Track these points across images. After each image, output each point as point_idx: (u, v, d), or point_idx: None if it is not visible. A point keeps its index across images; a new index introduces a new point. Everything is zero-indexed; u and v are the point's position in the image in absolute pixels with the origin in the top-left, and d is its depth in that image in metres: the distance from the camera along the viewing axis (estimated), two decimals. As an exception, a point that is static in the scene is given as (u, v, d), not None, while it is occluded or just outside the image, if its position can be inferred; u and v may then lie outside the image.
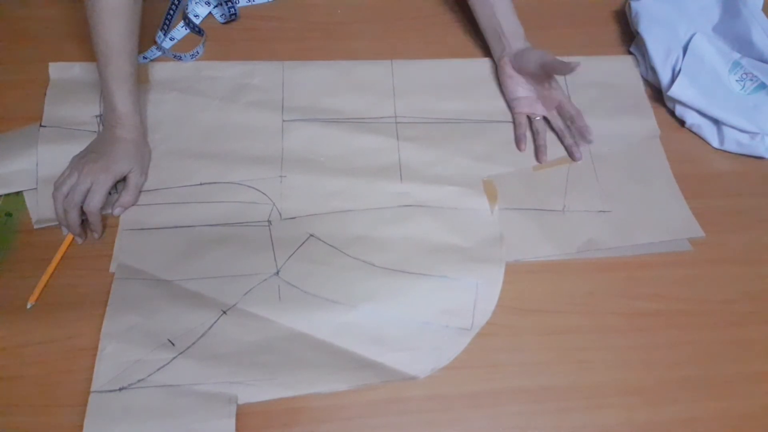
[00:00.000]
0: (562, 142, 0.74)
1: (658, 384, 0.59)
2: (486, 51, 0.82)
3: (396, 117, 0.75)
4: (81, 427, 0.52)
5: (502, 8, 0.76)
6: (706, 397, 0.58)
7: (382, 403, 0.56)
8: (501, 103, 0.77)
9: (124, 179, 0.65)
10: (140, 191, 0.66)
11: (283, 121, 0.73)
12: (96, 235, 0.63)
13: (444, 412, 0.56)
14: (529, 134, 0.75)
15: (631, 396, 0.58)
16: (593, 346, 0.60)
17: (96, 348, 0.56)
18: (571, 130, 0.74)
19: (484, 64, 0.81)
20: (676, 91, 0.75)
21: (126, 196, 0.65)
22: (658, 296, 0.64)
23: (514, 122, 0.76)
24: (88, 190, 0.61)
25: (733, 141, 0.75)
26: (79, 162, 0.63)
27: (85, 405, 0.53)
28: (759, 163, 0.76)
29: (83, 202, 0.61)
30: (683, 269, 0.66)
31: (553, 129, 0.75)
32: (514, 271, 0.64)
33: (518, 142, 0.74)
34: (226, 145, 0.70)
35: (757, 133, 0.74)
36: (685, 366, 0.60)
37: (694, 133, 0.78)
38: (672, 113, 0.79)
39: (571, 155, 0.73)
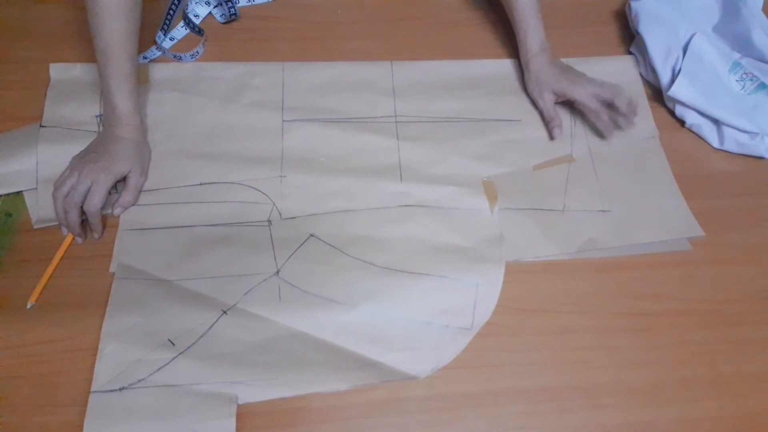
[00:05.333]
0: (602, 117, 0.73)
1: (658, 384, 0.59)
2: (485, 52, 0.82)
3: (396, 117, 0.75)
4: (81, 426, 0.52)
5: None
6: (706, 397, 0.58)
7: (382, 403, 0.56)
8: (501, 103, 0.77)
9: (124, 179, 0.65)
10: (140, 191, 0.66)
11: (283, 121, 0.73)
12: (96, 236, 0.63)
13: (444, 412, 0.56)
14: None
15: (631, 396, 0.58)
16: (593, 346, 0.61)
17: (96, 348, 0.56)
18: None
19: (483, 65, 0.81)
20: (676, 91, 0.75)
21: (126, 196, 0.65)
22: (658, 296, 0.64)
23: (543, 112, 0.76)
24: (88, 190, 0.61)
25: (733, 141, 0.75)
26: (79, 162, 0.63)
27: (85, 405, 0.53)
28: (759, 163, 0.76)
29: (83, 202, 0.61)
30: (683, 269, 0.66)
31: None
32: (514, 271, 0.64)
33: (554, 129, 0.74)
34: (227, 145, 0.70)
35: (757, 133, 0.74)
36: (685, 366, 0.60)
37: (694, 133, 0.78)
38: (672, 113, 0.79)
39: (624, 125, 0.74)
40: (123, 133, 0.65)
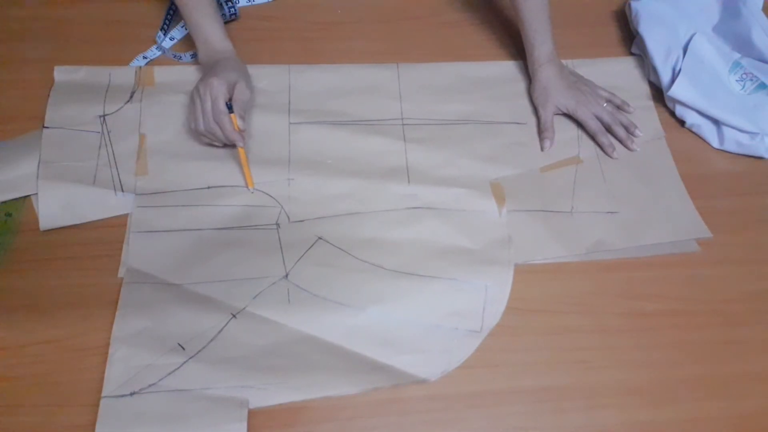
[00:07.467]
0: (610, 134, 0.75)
1: (658, 384, 0.59)
2: (489, 52, 0.82)
3: (402, 119, 0.75)
4: (83, 426, 0.52)
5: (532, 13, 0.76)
6: (706, 397, 0.58)
7: (383, 403, 0.56)
8: (507, 105, 0.78)
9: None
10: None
11: (290, 123, 0.73)
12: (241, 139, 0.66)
13: (444, 412, 0.56)
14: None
15: (631, 396, 0.58)
16: (594, 346, 0.61)
17: (98, 348, 0.56)
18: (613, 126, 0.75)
19: (488, 67, 0.81)
20: (676, 91, 0.75)
21: (237, 103, 0.66)
22: (658, 296, 0.64)
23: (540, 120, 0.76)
24: (213, 102, 0.64)
25: (733, 141, 0.75)
26: (194, 89, 0.66)
27: (88, 405, 0.53)
28: (759, 163, 0.76)
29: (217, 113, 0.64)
30: (683, 269, 0.66)
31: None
32: (516, 272, 0.64)
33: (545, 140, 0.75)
34: (234, 148, 0.70)
35: (757, 133, 0.74)
36: (685, 366, 0.60)
37: (694, 133, 0.78)
38: (672, 113, 0.79)
39: (627, 148, 0.75)
40: (222, 55, 0.70)
